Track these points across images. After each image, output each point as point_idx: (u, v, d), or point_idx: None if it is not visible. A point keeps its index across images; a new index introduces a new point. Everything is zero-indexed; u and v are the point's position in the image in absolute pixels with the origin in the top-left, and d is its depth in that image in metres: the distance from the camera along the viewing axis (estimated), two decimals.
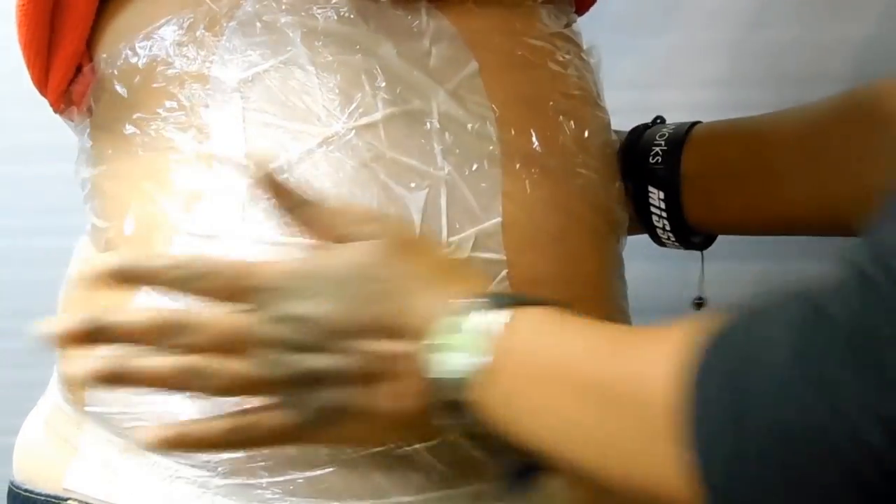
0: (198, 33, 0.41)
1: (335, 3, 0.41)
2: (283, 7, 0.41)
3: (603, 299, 0.45)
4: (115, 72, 0.43)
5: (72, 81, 0.45)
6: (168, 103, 0.41)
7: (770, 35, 0.78)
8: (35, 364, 0.46)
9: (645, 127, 0.53)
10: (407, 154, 0.40)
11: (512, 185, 0.41)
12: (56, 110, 0.46)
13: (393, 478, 0.39)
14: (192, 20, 0.41)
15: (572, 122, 0.44)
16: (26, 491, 0.45)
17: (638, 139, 0.52)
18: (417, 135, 0.40)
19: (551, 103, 0.44)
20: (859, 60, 0.78)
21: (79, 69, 0.45)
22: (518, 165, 0.42)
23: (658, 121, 0.54)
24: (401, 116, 0.40)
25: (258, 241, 0.39)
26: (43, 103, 0.46)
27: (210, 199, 0.40)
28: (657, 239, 0.53)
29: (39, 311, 0.45)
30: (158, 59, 0.42)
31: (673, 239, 0.52)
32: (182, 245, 0.40)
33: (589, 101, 0.46)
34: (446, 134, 0.41)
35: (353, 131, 0.40)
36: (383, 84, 0.40)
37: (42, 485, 0.44)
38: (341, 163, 0.39)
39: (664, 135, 0.51)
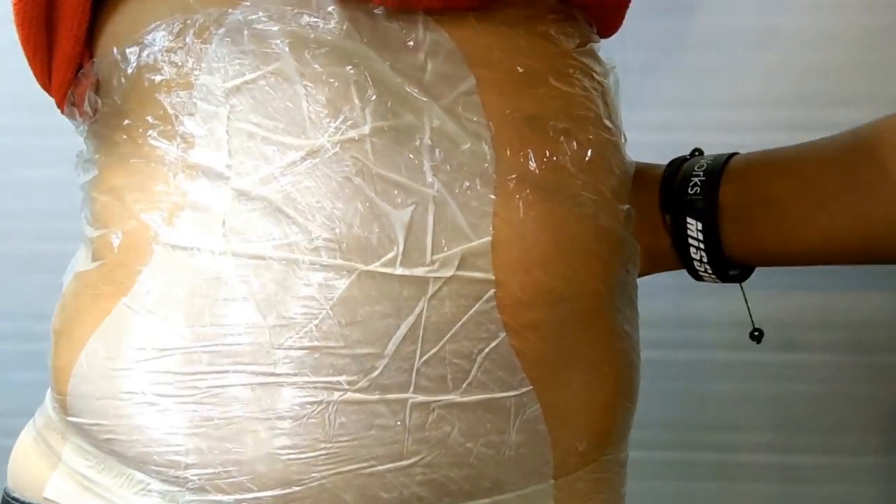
0: (186, 40, 0.40)
1: (327, 14, 0.40)
2: (273, 16, 0.40)
3: (599, 322, 0.43)
4: (107, 76, 0.43)
5: (73, 82, 0.45)
6: (155, 111, 0.41)
7: (806, 57, 0.80)
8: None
9: (683, 159, 0.53)
10: (394, 170, 0.38)
11: (505, 204, 0.40)
12: (61, 111, 0.46)
13: (364, 498, 0.38)
14: (181, 26, 0.40)
15: (574, 143, 0.42)
16: (13, 498, 0.45)
17: (676, 171, 0.52)
18: (407, 150, 0.39)
19: (552, 123, 0.42)
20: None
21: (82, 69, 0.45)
22: (512, 185, 0.40)
23: (696, 153, 0.53)
24: (390, 131, 0.39)
25: (238, 255, 0.38)
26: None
27: (192, 210, 0.39)
28: (694, 273, 0.52)
29: (44, 315, 0.46)
30: (147, 65, 0.41)
31: (710, 272, 0.51)
32: (162, 258, 0.40)
33: (595, 123, 0.44)
34: (437, 150, 0.39)
35: (339, 145, 0.38)
36: (374, 97, 0.39)
37: (27, 493, 0.44)
38: (325, 177, 0.38)
39: (702, 166, 0.51)
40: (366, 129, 0.39)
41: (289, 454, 0.38)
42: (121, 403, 0.39)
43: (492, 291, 0.39)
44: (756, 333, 0.53)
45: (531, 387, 0.40)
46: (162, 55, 0.41)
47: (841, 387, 0.90)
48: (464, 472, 0.39)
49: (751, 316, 0.52)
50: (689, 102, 0.80)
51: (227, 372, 0.38)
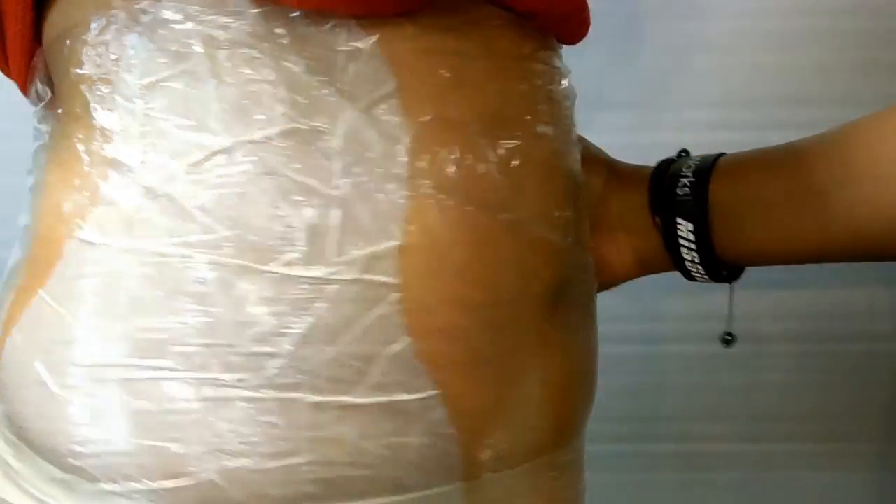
0: (107, 35, 0.40)
1: (243, 14, 0.39)
2: (190, 15, 0.39)
3: (527, 330, 0.43)
4: (45, 67, 0.44)
5: (28, 70, 0.45)
6: (81, 104, 0.41)
7: (763, 58, 0.83)
8: None
9: (671, 160, 0.53)
10: (302, 172, 0.38)
11: (418, 209, 0.39)
12: (27, 97, 0.46)
13: (252, 494, 0.38)
14: (105, 21, 0.40)
15: (501, 149, 0.42)
16: None
17: (664, 172, 0.52)
18: (316, 153, 0.39)
19: (478, 128, 0.41)
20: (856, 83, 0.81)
21: None
22: (428, 190, 0.40)
23: (683, 154, 0.54)
24: (299, 133, 0.39)
25: (140, 251, 0.39)
26: None
27: (104, 206, 0.40)
28: (686, 273, 0.52)
29: None
30: (74, 58, 0.41)
31: (703, 272, 0.51)
32: (73, 252, 0.40)
33: (530, 128, 0.43)
34: (348, 153, 0.39)
35: (247, 145, 0.38)
36: (285, 99, 0.39)
37: None
38: (230, 176, 0.38)
39: (690, 166, 0.51)
40: (274, 131, 0.39)
41: (177, 448, 0.38)
42: (29, 393, 0.40)
43: (396, 295, 0.39)
44: (728, 338, 0.53)
45: (437, 391, 0.39)
46: (86, 49, 0.41)
47: (804, 377, 0.92)
48: (360, 472, 0.39)
49: (729, 318, 0.53)
50: (661, 104, 0.81)
51: (124, 366, 0.38)
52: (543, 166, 0.44)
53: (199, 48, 0.39)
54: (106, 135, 0.40)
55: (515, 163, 0.42)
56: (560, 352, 0.44)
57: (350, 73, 0.40)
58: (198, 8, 0.39)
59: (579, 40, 0.49)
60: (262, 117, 0.38)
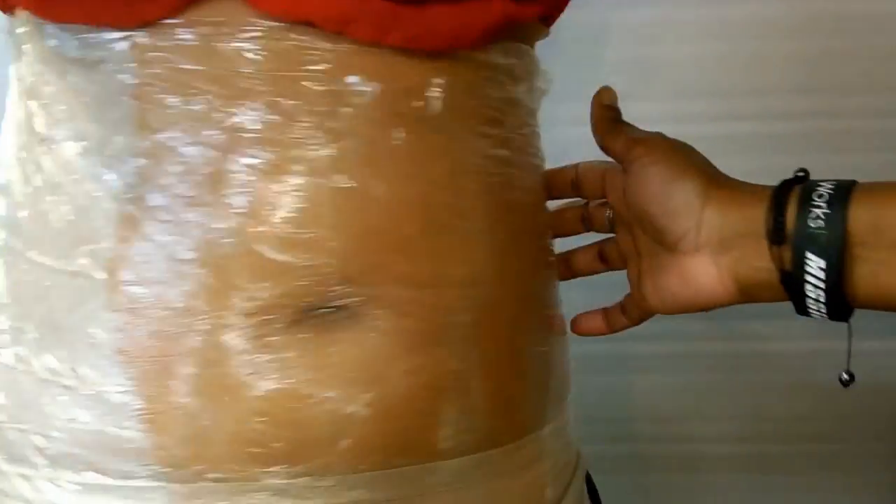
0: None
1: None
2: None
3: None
4: None
5: None
6: None
7: (750, 47, 0.81)
8: None
9: (791, 182, 0.47)
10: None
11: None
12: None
13: None
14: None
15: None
16: None
17: (786, 196, 0.46)
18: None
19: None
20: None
21: None
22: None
23: (801, 174, 0.48)
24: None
25: None
26: None
27: None
28: (803, 309, 0.47)
29: None
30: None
31: (823, 311, 0.46)
32: None
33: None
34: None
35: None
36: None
37: None
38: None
39: (822, 195, 0.45)
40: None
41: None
42: None
43: (102, 293, 0.40)
44: (846, 378, 0.48)
45: (125, 386, 0.40)
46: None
47: (803, 376, 0.91)
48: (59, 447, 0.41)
49: (849, 357, 0.48)
50: (634, 95, 0.80)
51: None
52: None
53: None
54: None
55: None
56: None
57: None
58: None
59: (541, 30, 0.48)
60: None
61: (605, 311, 0.56)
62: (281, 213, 0.38)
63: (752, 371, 0.91)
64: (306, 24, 0.38)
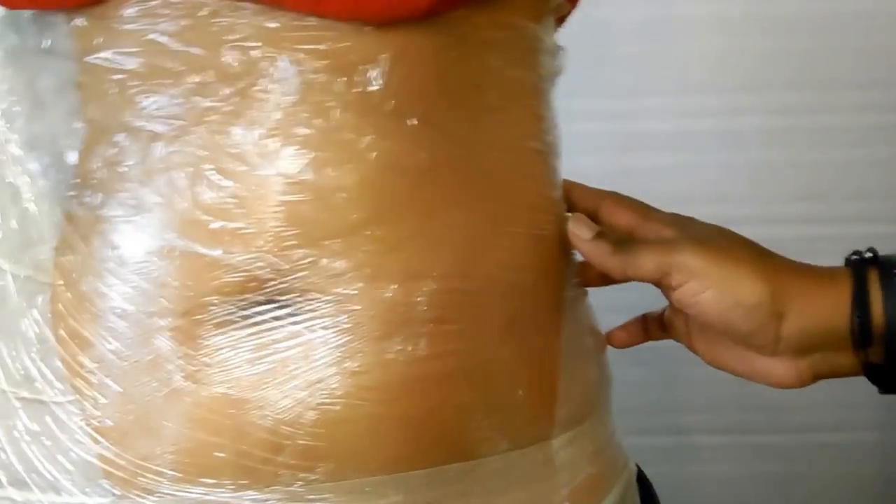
0: None
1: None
2: None
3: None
4: None
5: None
6: None
7: (753, 43, 0.81)
8: None
9: (863, 264, 0.42)
10: None
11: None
12: None
13: None
14: None
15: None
16: None
17: (864, 286, 0.41)
18: None
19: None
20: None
21: None
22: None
23: (870, 254, 0.43)
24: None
25: None
26: None
27: None
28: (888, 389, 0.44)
29: None
30: None
31: None
32: None
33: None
34: None
35: None
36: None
37: None
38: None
39: None
40: None
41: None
42: None
43: (47, 297, 0.38)
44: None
45: (74, 396, 0.38)
46: None
47: None
48: (23, 465, 0.39)
49: None
50: (640, 90, 0.80)
51: None
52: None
53: None
54: None
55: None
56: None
57: None
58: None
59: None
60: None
61: (644, 319, 0.51)
62: (210, 204, 0.36)
63: None
64: None
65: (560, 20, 0.46)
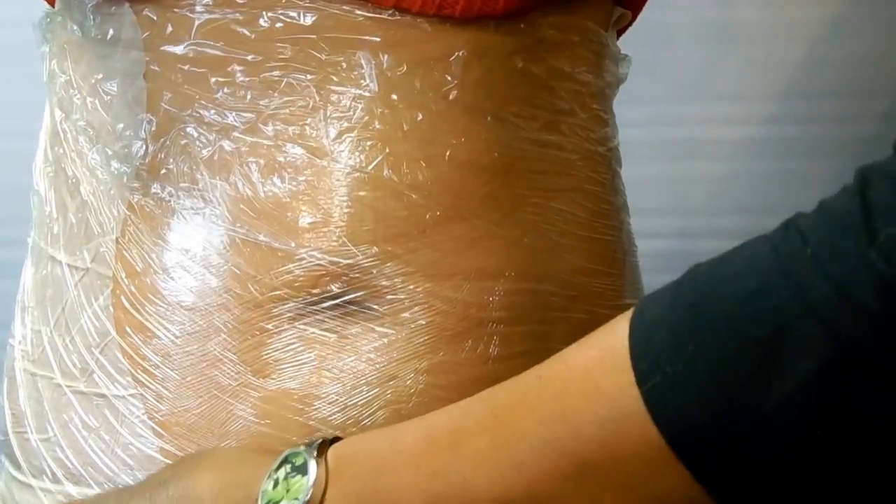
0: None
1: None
2: None
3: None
4: None
5: None
6: None
7: (791, 51, 0.79)
8: None
9: None
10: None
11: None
12: None
13: None
14: None
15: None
16: None
17: None
18: None
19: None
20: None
21: None
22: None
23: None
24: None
25: None
26: None
27: None
28: None
29: None
30: None
31: None
32: None
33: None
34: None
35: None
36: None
37: None
38: None
39: None
40: None
41: None
42: None
43: (108, 290, 0.38)
44: None
45: (137, 390, 0.37)
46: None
47: None
48: (79, 459, 0.38)
49: None
50: (684, 97, 0.79)
51: None
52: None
53: None
54: None
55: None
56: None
57: None
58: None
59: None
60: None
61: None
62: (281, 197, 0.36)
63: None
64: None
65: (619, 32, 0.47)
